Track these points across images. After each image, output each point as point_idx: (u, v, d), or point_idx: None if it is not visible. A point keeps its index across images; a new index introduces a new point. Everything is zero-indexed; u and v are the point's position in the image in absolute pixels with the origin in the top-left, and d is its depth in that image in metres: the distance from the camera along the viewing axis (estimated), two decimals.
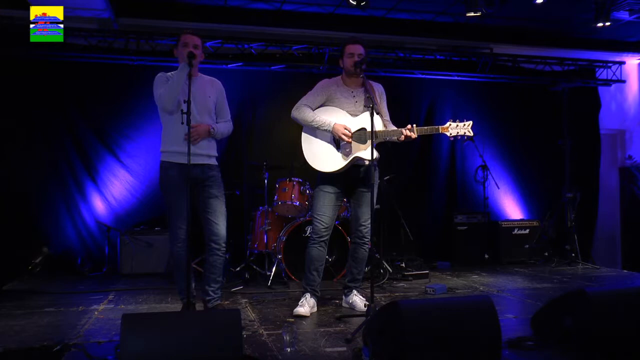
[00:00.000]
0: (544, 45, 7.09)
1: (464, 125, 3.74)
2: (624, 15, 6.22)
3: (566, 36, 7.07)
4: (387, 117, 3.95)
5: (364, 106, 3.82)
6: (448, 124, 3.77)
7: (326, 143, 3.83)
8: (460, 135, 3.74)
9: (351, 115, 3.82)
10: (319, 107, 3.86)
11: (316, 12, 6.19)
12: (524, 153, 7.28)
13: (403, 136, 3.72)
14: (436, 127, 3.80)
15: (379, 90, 3.93)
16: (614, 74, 7.47)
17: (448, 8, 6.06)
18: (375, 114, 3.52)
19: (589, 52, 7.26)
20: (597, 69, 7.52)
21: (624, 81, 7.55)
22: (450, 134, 3.75)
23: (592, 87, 7.56)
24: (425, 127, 3.80)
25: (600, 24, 5.75)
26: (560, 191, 6.77)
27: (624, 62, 7.52)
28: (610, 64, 7.41)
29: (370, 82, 3.85)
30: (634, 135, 7.98)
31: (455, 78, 7.02)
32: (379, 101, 3.84)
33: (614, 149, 8.10)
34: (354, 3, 5.40)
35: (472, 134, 3.75)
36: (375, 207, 3.90)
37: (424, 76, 6.90)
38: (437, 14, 6.31)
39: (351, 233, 4.04)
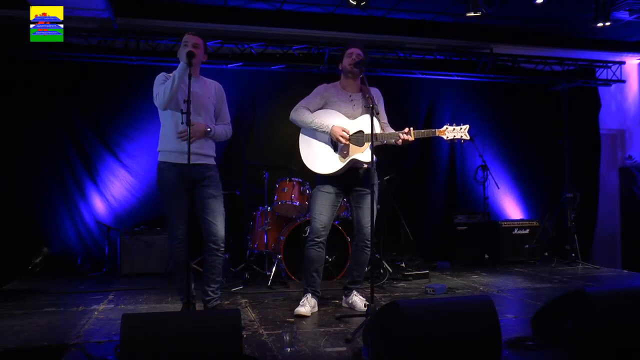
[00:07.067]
0: (544, 45, 7.08)
1: (461, 129, 3.75)
2: (624, 15, 6.21)
3: (566, 36, 7.06)
4: (385, 120, 3.96)
5: (364, 107, 3.83)
6: (445, 127, 3.77)
7: (324, 145, 3.83)
8: (457, 139, 3.76)
9: (349, 118, 3.83)
10: (317, 110, 3.87)
11: (316, 12, 6.19)
12: (524, 153, 7.28)
13: (400, 139, 3.73)
14: (433, 130, 3.79)
15: (376, 95, 3.91)
16: (614, 74, 7.47)
17: (448, 8, 6.06)
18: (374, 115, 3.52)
19: (589, 52, 7.25)
20: (597, 69, 7.53)
21: (624, 81, 7.55)
22: (447, 137, 3.76)
23: (592, 87, 7.57)
24: (423, 131, 3.79)
25: (600, 24, 5.74)
26: (560, 191, 6.77)
27: (624, 62, 7.52)
28: (610, 64, 7.41)
29: (368, 87, 3.85)
30: (634, 135, 7.97)
31: (455, 78, 7.02)
32: (377, 104, 3.84)
33: (614, 149, 8.10)
34: (354, 3, 5.40)
35: (468, 137, 3.76)
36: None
37: (423, 76, 6.90)
38: (437, 14, 6.31)
39: (353, 236, 4.01)
